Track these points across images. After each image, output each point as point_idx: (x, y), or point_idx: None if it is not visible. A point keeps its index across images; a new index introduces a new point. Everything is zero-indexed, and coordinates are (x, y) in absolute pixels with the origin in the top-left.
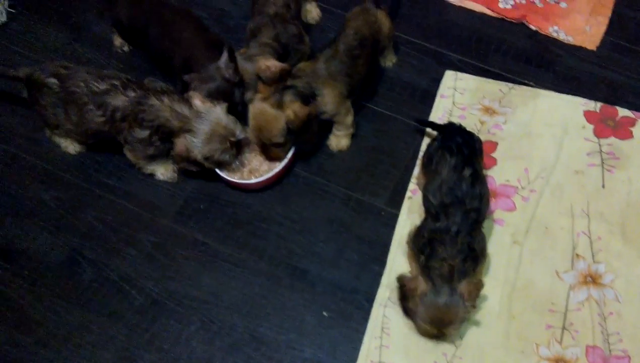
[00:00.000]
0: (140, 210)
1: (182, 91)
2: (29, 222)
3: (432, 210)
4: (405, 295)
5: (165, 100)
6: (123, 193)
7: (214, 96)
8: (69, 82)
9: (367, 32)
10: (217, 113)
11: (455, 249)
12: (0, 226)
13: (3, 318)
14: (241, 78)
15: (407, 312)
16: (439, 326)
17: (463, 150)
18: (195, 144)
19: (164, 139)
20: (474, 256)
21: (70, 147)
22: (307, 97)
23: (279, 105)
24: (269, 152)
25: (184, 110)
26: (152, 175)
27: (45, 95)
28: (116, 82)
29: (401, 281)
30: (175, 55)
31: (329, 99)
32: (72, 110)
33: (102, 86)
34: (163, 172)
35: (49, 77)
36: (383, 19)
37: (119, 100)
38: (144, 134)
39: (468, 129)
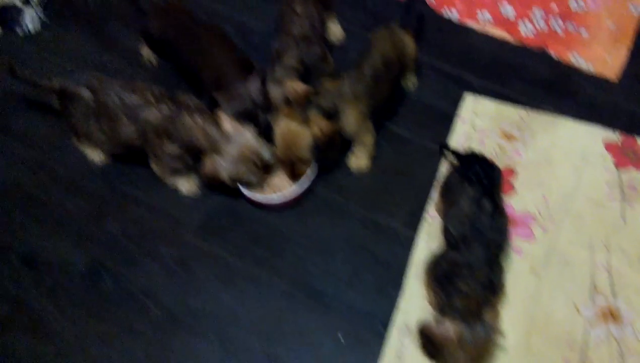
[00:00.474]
0: (162, 223)
1: (209, 107)
2: (52, 231)
3: (451, 241)
4: (436, 344)
5: (198, 119)
6: (146, 205)
7: (239, 116)
8: (102, 94)
9: (393, 54)
10: (246, 136)
11: (476, 283)
12: (24, 232)
13: (24, 327)
14: (268, 101)
15: (442, 359)
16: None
17: (483, 181)
18: (223, 165)
19: (192, 155)
20: (493, 289)
21: (96, 156)
22: (331, 115)
23: (305, 122)
24: (295, 169)
25: (214, 131)
26: (175, 190)
27: (77, 106)
28: (149, 96)
29: (427, 330)
30: (206, 72)
31: (351, 119)
32: (104, 122)
33: (135, 99)
34: (187, 186)
35: (82, 88)
36: (408, 41)
37: (152, 114)
38: (174, 149)
39: (487, 154)
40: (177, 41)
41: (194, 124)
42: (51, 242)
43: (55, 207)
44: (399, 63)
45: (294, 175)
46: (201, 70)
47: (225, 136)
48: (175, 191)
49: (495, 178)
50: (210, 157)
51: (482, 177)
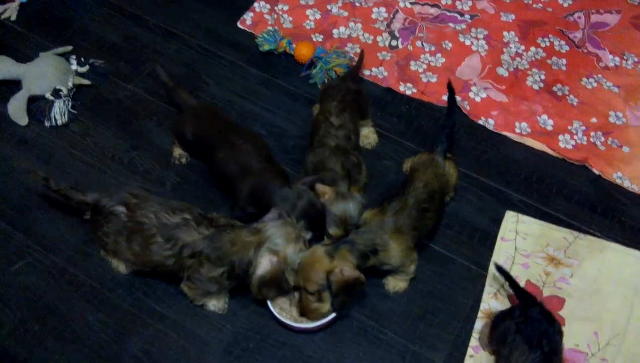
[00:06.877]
0: (187, 344)
1: (242, 217)
2: (72, 347)
3: None
4: None
5: (241, 231)
6: (171, 322)
7: (307, 212)
8: (139, 212)
9: (436, 186)
10: (288, 222)
11: None
12: (40, 347)
13: None
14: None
15: None
16: None
17: (543, 345)
18: (279, 244)
19: (232, 277)
20: None
21: (122, 266)
22: (366, 256)
23: (331, 255)
24: (303, 300)
25: (253, 230)
26: (202, 305)
27: (110, 222)
28: (188, 216)
29: None
30: (241, 182)
31: (395, 253)
32: (136, 241)
33: (174, 219)
34: (215, 303)
35: (117, 205)
36: (452, 171)
37: (191, 236)
38: (216, 271)
39: (532, 280)
40: (212, 147)
41: (235, 234)
42: (66, 358)
43: (75, 320)
44: (442, 193)
45: (302, 308)
46: (237, 179)
47: (264, 223)
48: (201, 307)
49: (557, 341)
50: (263, 254)
51: (543, 339)
